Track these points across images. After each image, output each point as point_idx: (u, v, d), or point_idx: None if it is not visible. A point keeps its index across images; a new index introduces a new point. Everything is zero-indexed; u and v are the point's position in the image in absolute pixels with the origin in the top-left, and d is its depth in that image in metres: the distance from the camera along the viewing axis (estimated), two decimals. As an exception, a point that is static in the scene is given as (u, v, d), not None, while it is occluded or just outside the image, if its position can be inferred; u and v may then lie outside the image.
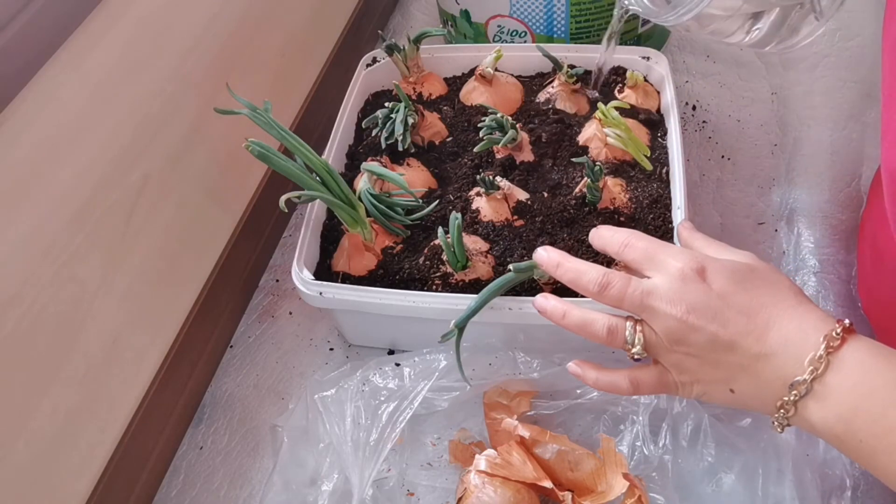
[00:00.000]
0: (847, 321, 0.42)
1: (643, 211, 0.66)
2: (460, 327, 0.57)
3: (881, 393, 0.40)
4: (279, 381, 0.70)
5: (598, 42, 0.86)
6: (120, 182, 0.57)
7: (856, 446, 0.40)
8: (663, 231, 0.64)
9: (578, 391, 0.61)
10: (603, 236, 0.52)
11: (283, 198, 0.59)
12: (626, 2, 0.56)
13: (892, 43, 0.49)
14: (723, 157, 0.84)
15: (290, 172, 0.60)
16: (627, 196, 0.67)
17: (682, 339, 0.44)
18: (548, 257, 0.51)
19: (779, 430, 0.44)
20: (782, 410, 0.42)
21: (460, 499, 0.57)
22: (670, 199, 0.66)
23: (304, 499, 0.60)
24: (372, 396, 0.60)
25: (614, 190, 0.66)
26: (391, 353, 0.69)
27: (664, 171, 0.69)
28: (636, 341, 0.46)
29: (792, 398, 0.42)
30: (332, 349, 0.72)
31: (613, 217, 0.66)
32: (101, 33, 0.53)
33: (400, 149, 0.72)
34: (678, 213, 0.63)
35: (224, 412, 0.69)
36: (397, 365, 0.62)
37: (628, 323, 0.47)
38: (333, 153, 0.72)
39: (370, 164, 0.69)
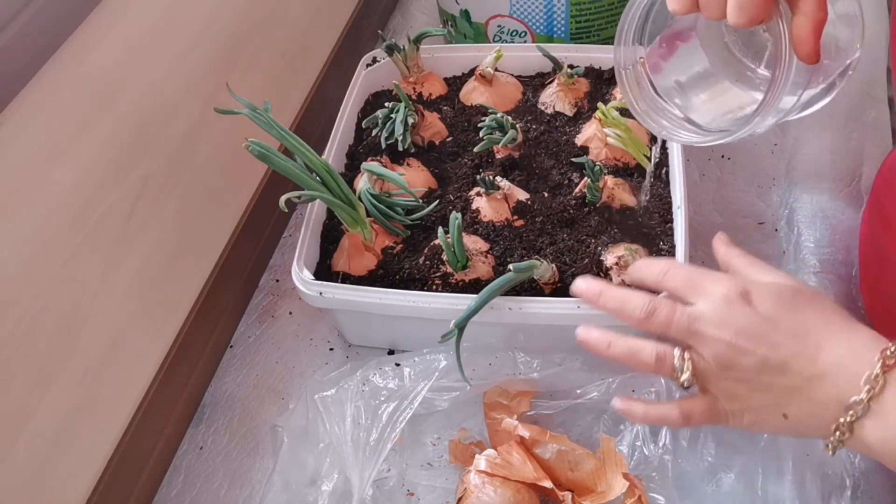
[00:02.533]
0: None
1: (643, 211, 0.66)
2: (460, 327, 0.57)
3: None
4: (279, 381, 0.70)
5: (598, 42, 0.86)
6: (120, 182, 0.57)
7: None
8: (663, 231, 0.64)
9: (578, 391, 0.61)
10: (640, 269, 0.51)
11: (283, 198, 0.59)
12: (665, 134, 0.52)
13: None
14: (723, 156, 0.84)
15: (290, 172, 0.60)
16: (627, 196, 0.67)
17: (732, 364, 0.43)
18: (587, 287, 0.49)
19: (831, 453, 0.43)
20: (838, 433, 0.42)
21: (460, 499, 0.57)
22: (670, 199, 0.66)
23: (304, 499, 0.60)
24: (372, 396, 0.60)
25: (614, 190, 0.66)
26: (391, 353, 0.69)
27: (664, 171, 0.69)
28: (685, 368, 0.45)
29: (849, 419, 0.41)
30: (332, 349, 0.72)
31: (613, 217, 0.66)
32: (101, 33, 0.53)
33: (400, 149, 0.72)
34: (678, 213, 0.63)
35: (224, 412, 0.69)
36: (397, 365, 0.62)
37: (676, 350, 0.45)
38: (333, 153, 0.72)
39: (370, 164, 0.69)
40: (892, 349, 0.41)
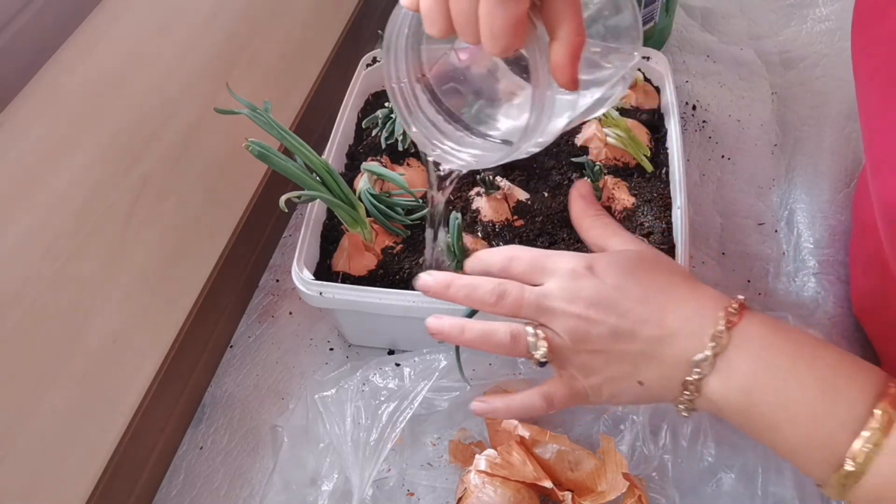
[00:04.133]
0: (741, 297, 0.43)
1: (643, 211, 0.66)
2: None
3: (782, 365, 0.40)
4: (279, 381, 0.70)
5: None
6: (120, 182, 0.57)
7: (758, 420, 0.41)
8: (663, 231, 0.64)
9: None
10: (483, 259, 0.49)
11: (283, 198, 0.59)
12: (437, 156, 0.48)
13: (869, 82, 0.49)
14: (723, 157, 0.84)
15: (290, 172, 0.60)
16: (627, 196, 0.67)
17: (584, 336, 0.44)
18: (435, 281, 0.48)
19: (685, 414, 0.44)
20: (686, 393, 0.42)
21: (460, 499, 0.57)
22: (670, 199, 0.66)
23: (304, 499, 0.60)
24: (372, 396, 0.60)
25: (614, 190, 0.66)
26: (391, 353, 0.69)
27: (664, 171, 0.69)
28: (540, 344, 0.45)
29: (695, 377, 0.42)
30: (332, 349, 0.72)
31: (613, 217, 0.66)
32: (101, 33, 0.53)
33: (400, 149, 0.72)
34: (678, 213, 0.63)
35: (224, 412, 0.69)
36: (397, 365, 0.62)
37: (530, 328, 0.46)
38: (333, 153, 0.72)
39: (370, 164, 0.69)
40: (735, 306, 0.42)
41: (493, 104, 0.47)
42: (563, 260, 0.46)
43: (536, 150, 0.44)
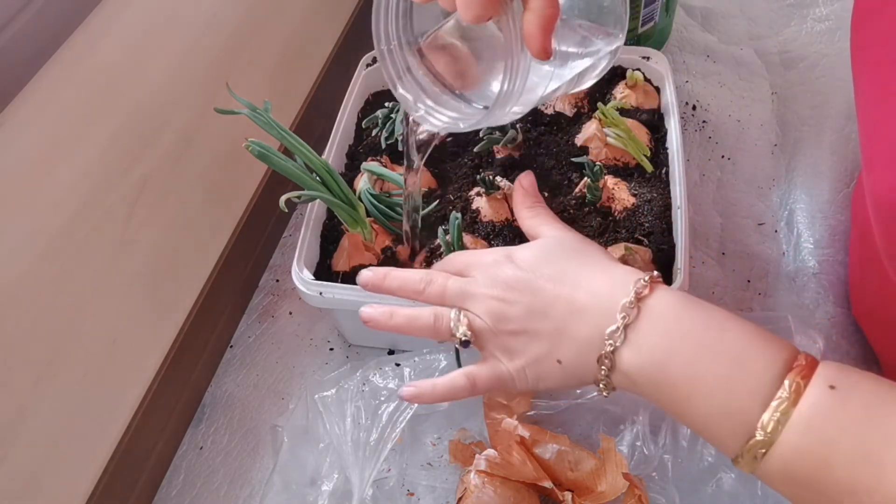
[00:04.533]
0: (656, 273, 0.44)
1: (643, 211, 0.66)
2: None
3: (694, 336, 0.41)
4: (279, 381, 0.70)
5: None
6: (120, 182, 0.57)
7: (670, 392, 0.41)
8: (663, 231, 0.64)
9: (578, 391, 0.61)
10: (437, 264, 0.54)
11: (283, 198, 0.59)
12: (419, 122, 0.51)
13: (865, 79, 0.50)
14: (723, 157, 0.84)
15: (290, 172, 0.60)
16: (627, 196, 0.67)
17: (502, 317, 0.46)
18: (373, 275, 0.52)
19: (605, 393, 0.45)
20: (602, 367, 0.43)
21: (460, 499, 0.57)
22: (670, 199, 0.66)
23: (304, 499, 0.60)
24: (372, 396, 0.60)
25: (614, 190, 0.66)
26: (391, 353, 0.69)
27: (664, 171, 0.69)
28: (461, 324, 0.47)
29: (608, 349, 0.42)
30: (332, 349, 0.72)
31: (613, 217, 0.66)
32: (101, 33, 0.53)
33: (400, 149, 0.72)
34: (678, 213, 0.63)
35: (224, 412, 0.69)
36: (397, 365, 0.62)
37: (453, 311, 0.48)
38: (333, 153, 0.72)
39: (370, 164, 0.69)
40: (645, 279, 0.43)
41: (487, 72, 0.50)
42: (488, 254, 0.50)
43: (515, 116, 0.46)
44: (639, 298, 0.42)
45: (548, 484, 0.56)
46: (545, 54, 0.40)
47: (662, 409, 0.43)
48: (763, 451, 0.37)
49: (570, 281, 0.45)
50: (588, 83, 0.52)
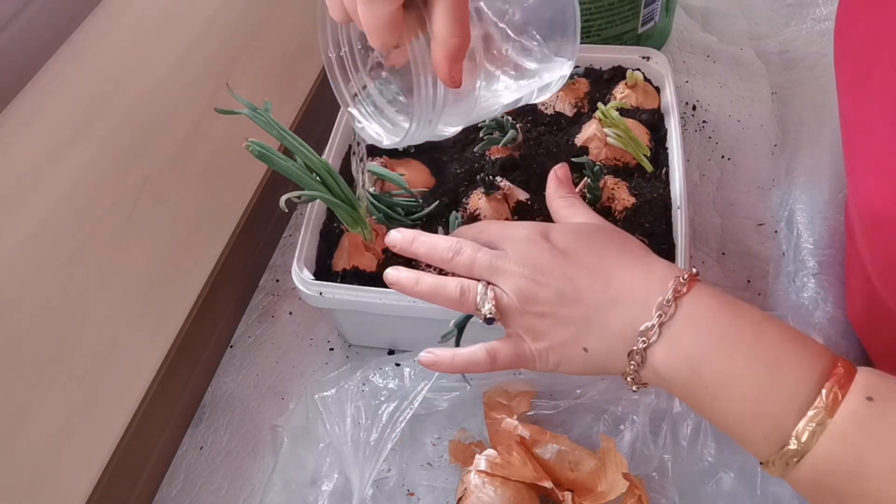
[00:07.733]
0: (694, 269, 0.43)
1: (643, 211, 0.66)
2: (460, 327, 0.56)
3: (730, 338, 0.40)
4: (279, 381, 0.70)
5: (598, 42, 0.86)
6: (120, 182, 0.57)
7: (703, 393, 0.40)
8: (663, 231, 0.64)
9: (578, 391, 0.61)
10: (460, 230, 0.52)
11: (283, 198, 0.59)
12: (359, 135, 0.53)
13: (846, 86, 0.50)
14: (723, 157, 0.84)
15: (290, 172, 0.60)
16: (627, 196, 0.67)
17: (531, 298, 0.45)
18: (402, 236, 0.50)
19: (633, 388, 0.44)
20: (633, 363, 0.42)
21: (460, 499, 0.57)
22: (670, 199, 0.66)
23: (304, 499, 0.60)
24: (372, 396, 0.60)
25: (614, 190, 0.66)
26: (391, 353, 0.69)
27: (664, 171, 0.69)
28: (487, 300, 0.46)
29: (641, 345, 0.42)
30: (332, 349, 0.72)
31: (613, 217, 0.66)
32: (101, 33, 0.53)
33: (400, 149, 0.72)
34: (678, 213, 0.63)
35: (224, 412, 0.69)
36: (397, 365, 0.62)
37: (480, 284, 0.47)
38: (333, 153, 0.72)
39: (370, 164, 0.69)
40: (685, 276, 0.42)
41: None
42: (521, 228, 0.48)
43: (449, 134, 0.47)
44: (676, 297, 0.42)
45: (548, 484, 0.56)
46: (452, 83, 0.39)
47: (689, 405, 0.42)
48: (796, 459, 0.37)
49: (606, 271, 0.44)
50: (545, 96, 0.52)
